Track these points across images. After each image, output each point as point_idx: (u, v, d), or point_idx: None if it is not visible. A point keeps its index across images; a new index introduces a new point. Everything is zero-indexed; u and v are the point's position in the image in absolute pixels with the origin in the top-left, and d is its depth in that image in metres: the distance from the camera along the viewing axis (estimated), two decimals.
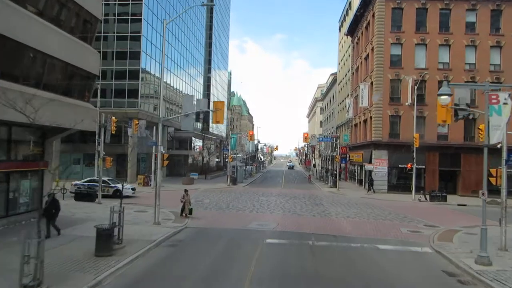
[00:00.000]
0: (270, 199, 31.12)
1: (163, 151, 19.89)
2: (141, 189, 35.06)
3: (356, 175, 49.61)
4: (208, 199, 30.28)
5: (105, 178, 30.21)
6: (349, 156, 49.75)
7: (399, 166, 37.58)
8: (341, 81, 65.83)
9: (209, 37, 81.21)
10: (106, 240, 12.34)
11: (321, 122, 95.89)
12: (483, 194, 12.87)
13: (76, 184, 28.84)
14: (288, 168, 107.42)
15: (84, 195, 25.87)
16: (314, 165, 73.78)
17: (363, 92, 40.96)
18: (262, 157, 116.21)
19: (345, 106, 53.77)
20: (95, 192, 25.85)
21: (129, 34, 43.61)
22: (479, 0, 37.94)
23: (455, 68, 37.80)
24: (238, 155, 68.31)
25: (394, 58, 39.04)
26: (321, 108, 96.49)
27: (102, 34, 42.90)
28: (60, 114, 13.40)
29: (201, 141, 67.13)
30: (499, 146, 14.71)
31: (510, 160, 15.95)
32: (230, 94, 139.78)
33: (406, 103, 37.56)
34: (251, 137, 58.18)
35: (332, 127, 71.11)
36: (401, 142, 37.08)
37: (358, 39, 49.26)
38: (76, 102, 16.21)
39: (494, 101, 12.97)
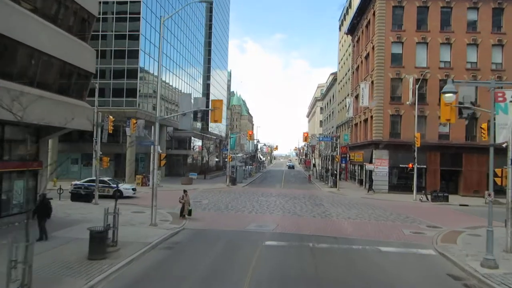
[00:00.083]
0: (269, 200, 30.73)
1: (160, 151, 19.47)
2: (140, 189, 34.58)
3: (357, 175, 49.22)
4: (207, 199, 29.89)
5: (106, 178, 29.87)
6: (349, 156, 49.36)
7: (400, 166, 37.19)
8: (341, 81, 65.45)
9: (209, 36, 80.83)
10: (100, 243, 11.94)
11: (321, 121, 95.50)
12: (489, 195, 12.49)
13: (75, 184, 28.44)
14: (288, 168, 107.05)
15: (81, 195, 25.45)
16: (314, 165, 73.39)
17: (364, 91, 40.55)
18: (261, 157, 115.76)
19: (345, 106, 53.37)
20: (93, 192, 25.49)
21: (127, 33, 43.19)
22: None
23: (457, 67, 37.40)
24: (237, 155, 67.97)
25: (395, 57, 38.63)
26: (321, 108, 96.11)
27: (100, 33, 42.53)
28: (50, 112, 12.94)
29: (201, 140, 66.74)
30: (504, 145, 14.31)
31: None
32: (230, 93, 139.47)
33: (407, 102, 37.18)
34: (251, 136, 57.79)
35: (332, 127, 70.73)
36: (402, 142, 36.68)
37: (359, 38, 48.86)
38: (67, 100, 15.59)
39: (500, 99, 12.58)
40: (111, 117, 25.63)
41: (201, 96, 69.93)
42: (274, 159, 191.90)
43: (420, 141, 32.58)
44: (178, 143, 59.02)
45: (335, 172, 45.73)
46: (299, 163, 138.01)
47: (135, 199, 28.36)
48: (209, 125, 74.18)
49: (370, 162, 39.06)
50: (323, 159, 75.69)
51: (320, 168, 70.79)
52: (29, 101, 8.83)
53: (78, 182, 29.34)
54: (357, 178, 48.85)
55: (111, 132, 26.16)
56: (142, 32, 43.51)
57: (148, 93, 47.18)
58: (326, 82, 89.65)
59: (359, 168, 47.54)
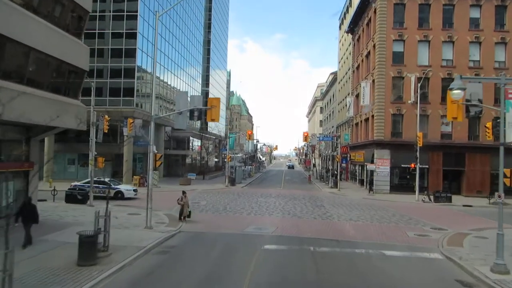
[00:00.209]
0: (269, 201, 30.11)
1: (155, 151, 18.85)
2: (138, 190, 33.93)
3: (357, 175, 48.60)
4: (205, 200, 29.27)
5: (106, 179, 29.28)
6: (350, 156, 48.74)
7: (402, 166, 36.58)
8: (341, 80, 64.84)
9: (208, 35, 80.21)
10: (90, 248, 11.32)
11: (321, 121, 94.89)
12: (499, 196, 11.88)
13: (75, 185, 27.82)
14: (288, 168, 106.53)
15: (76, 197, 24.77)
16: (314, 165, 72.77)
17: (365, 90, 39.95)
18: (261, 157, 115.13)
19: (346, 105, 52.76)
20: (94, 194, 25.04)
21: (124, 31, 42.55)
22: None
23: (459, 65, 36.76)
24: (237, 155, 67.39)
25: (396, 55, 38.01)
26: (321, 108, 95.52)
27: (97, 31, 41.94)
28: (33, 109, 12.18)
29: (199, 141, 66.14)
30: None
31: None
32: (230, 93, 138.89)
33: (409, 101, 36.54)
34: (250, 136, 57.08)
35: (332, 127, 70.12)
36: (403, 141, 36.06)
37: (359, 37, 48.25)
38: (54, 97, 14.69)
39: (511, 95, 11.96)
40: (106, 116, 24.99)
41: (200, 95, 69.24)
42: (274, 159, 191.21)
43: (422, 141, 31.99)
44: (176, 143, 58.40)
45: (335, 172, 45.12)
46: (299, 163, 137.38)
47: (136, 201, 27.70)
48: (208, 125, 73.60)
49: (371, 162, 38.46)
50: (323, 159, 75.08)
51: (320, 168, 70.19)
52: (9, 97, 8.21)
53: (78, 183, 28.73)
54: (358, 178, 48.23)
55: (106, 131, 25.50)
56: (140, 30, 42.89)
57: (146, 93, 46.57)
58: (326, 82, 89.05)
59: (360, 168, 46.93)
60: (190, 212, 19.98)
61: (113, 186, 28.51)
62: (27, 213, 12.94)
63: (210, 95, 76.98)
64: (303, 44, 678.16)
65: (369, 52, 42.31)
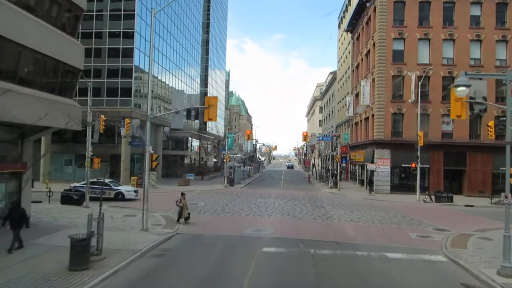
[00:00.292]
0: (268, 201, 29.70)
1: (152, 151, 18.45)
2: None
3: (357, 175, 48.21)
4: (203, 201, 28.86)
5: (107, 180, 29.00)
6: (350, 156, 48.36)
7: (402, 165, 36.22)
8: (340, 79, 64.46)
9: (207, 35, 79.79)
10: (82, 252, 10.90)
11: (320, 121, 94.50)
12: (505, 197, 11.48)
13: (74, 187, 27.44)
14: (287, 168, 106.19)
15: (72, 198, 24.33)
16: (314, 165, 72.34)
17: (364, 89, 39.56)
18: (260, 157, 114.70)
19: (345, 104, 52.36)
20: (94, 195, 24.63)
21: (121, 31, 42.11)
22: None
23: (460, 63, 36.36)
24: (236, 155, 66.99)
25: (397, 54, 37.60)
26: (320, 107, 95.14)
27: (94, 31, 41.54)
28: (19, 107, 11.61)
29: (198, 141, 65.70)
30: None
31: None
32: (229, 93, 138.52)
33: (409, 100, 36.15)
34: (249, 136, 56.70)
35: (332, 126, 69.73)
36: (404, 141, 35.68)
37: (359, 35, 47.87)
38: (43, 95, 14.07)
39: None
40: (102, 116, 24.55)
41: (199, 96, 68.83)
42: (273, 159, 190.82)
43: (423, 140, 31.61)
44: (175, 144, 57.97)
45: (335, 172, 44.72)
46: (298, 163, 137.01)
47: (136, 202, 27.21)
48: (207, 125, 73.14)
49: (372, 162, 38.07)
50: (322, 159, 74.68)
51: (320, 168, 69.78)
52: None
53: (77, 184, 28.35)
54: (358, 178, 47.84)
55: (102, 132, 25.10)
56: (137, 30, 42.46)
57: (144, 93, 46.10)
58: (325, 81, 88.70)
59: (360, 168, 46.54)
60: (189, 214, 19.55)
61: (113, 187, 28.16)
62: (17, 218, 12.53)
63: (209, 95, 76.54)
64: (302, 44, 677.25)
65: (369, 51, 41.93)
